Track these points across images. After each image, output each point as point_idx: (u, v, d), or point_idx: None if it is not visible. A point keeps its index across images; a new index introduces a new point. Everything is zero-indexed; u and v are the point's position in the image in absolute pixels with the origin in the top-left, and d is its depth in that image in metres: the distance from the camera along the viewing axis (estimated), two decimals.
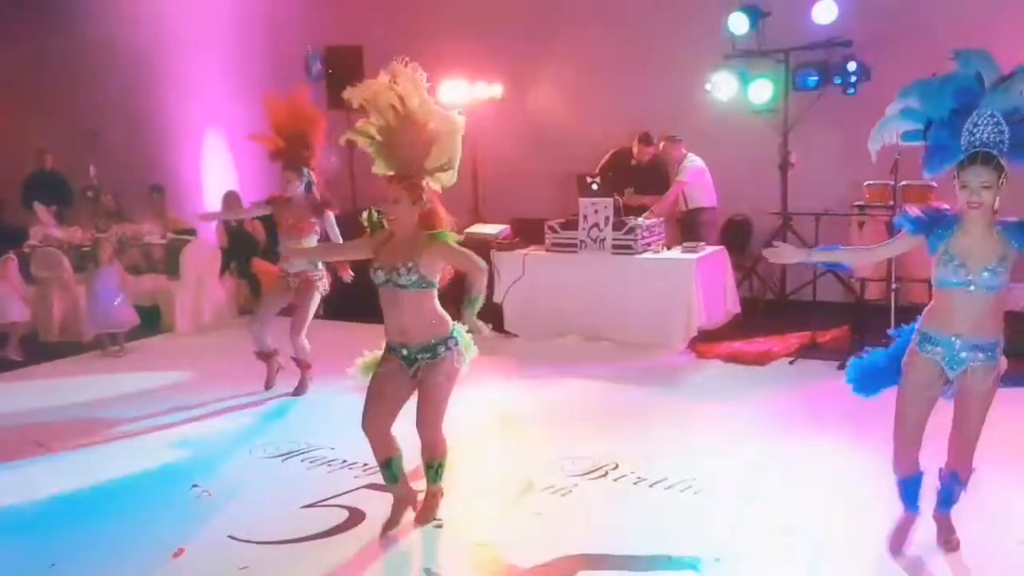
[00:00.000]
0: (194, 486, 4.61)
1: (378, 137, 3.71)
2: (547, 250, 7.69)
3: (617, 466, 4.70)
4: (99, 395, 6.38)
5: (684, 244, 7.62)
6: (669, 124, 8.48)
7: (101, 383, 6.77)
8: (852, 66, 7.97)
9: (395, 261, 3.63)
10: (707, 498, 4.33)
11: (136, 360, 7.50)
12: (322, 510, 4.27)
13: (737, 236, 8.80)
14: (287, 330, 6.01)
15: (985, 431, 3.43)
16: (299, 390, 6.11)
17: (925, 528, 3.67)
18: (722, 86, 8.44)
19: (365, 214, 3.87)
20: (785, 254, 3.57)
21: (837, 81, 8.11)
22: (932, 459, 3.57)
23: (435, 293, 3.73)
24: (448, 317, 3.77)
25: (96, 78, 11.60)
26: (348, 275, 5.85)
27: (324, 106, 7.49)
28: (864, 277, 7.91)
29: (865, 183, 7.83)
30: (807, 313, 7.74)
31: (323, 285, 5.95)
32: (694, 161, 8.28)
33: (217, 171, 11.34)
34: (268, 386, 6.14)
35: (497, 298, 7.73)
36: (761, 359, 6.72)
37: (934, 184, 7.03)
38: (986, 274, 3.19)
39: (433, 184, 3.75)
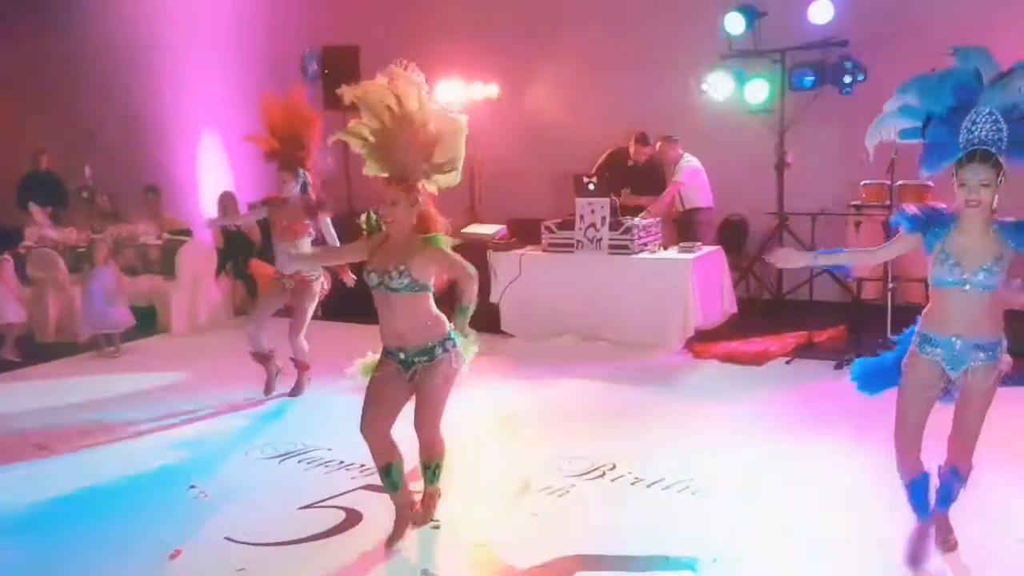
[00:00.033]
0: (191, 487, 4.60)
1: (371, 138, 3.67)
2: (544, 250, 7.68)
3: (614, 466, 4.70)
4: (95, 396, 6.36)
5: (681, 244, 7.62)
6: (665, 124, 8.48)
7: (97, 384, 6.75)
8: (848, 66, 7.97)
9: (387, 264, 3.60)
10: (704, 498, 4.32)
11: (132, 361, 7.48)
12: (319, 511, 4.26)
13: (733, 236, 8.80)
14: (285, 331, 5.99)
15: (985, 430, 3.42)
16: (296, 391, 6.09)
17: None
18: (718, 86, 8.44)
19: (364, 217, 3.85)
20: (789, 258, 3.54)
21: (833, 81, 8.11)
22: (931, 457, 3.55)
23: (430, 296, 3.69)
24: (445, 319, 3.75)
25: (91, 78, 11.58)
26: (350, 279, 5.77)
27: (320, 106, 7.49)
28: (861, 277, 7.91)
29: (861, 183, 7.83)
30: (804, 313, 7.73)
31: (319, 286, 5.92)
32: (690, 161, 8.28)
33: (213, 172, 11.32)
34: (268, 391, 6.05)
35: (494, 298, 7.73)
36: (758, 359, 6.73)
37: (930, 183, 7.02)
38: (982, 274, 3.17)
39: (429, 186, 3.73)
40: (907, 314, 3.68)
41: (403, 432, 3.83)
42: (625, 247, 7.33)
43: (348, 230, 5.67)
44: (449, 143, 3.67)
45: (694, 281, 7.11)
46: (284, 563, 3.82)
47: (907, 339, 3.48)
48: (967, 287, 3.21)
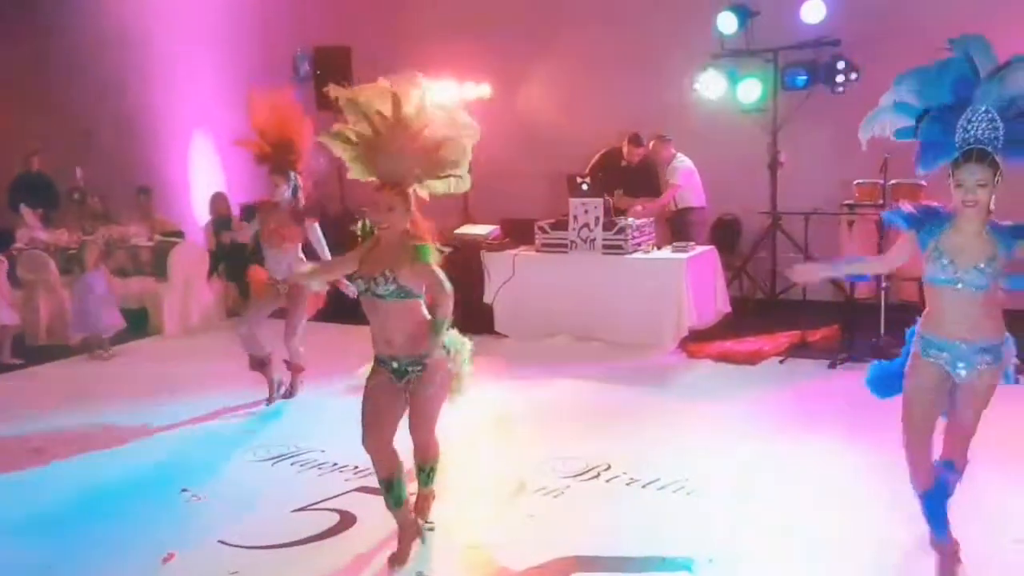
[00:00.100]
0: (184, 490, 4.57)
1: (355, 141, 3.59)
2: (537, 250, 7.68)
3: (609, 467, 4.69)
4: (87, 399, 6.32)
5: (674, 244, 7.62)
6: (658, 124, 8.48)
7: (89, 387, 6.71)
8: (841, 65, 8.00)
9: (374, 270, 3.52)
10: (700, 498, 4.32)
11: (124, 363, 7.45)
12: (313, 514, 4.24)
13: (727, 236, 8.82)
14: (280, 333, 5.93)
15: (982, 430, 3.39)
16: (289, 393, 6.06)
17: (920, 527, 3.67)
18: (711, 86, 8.45)
19: (359, 224, 3.76)
20: (809, 273, 3.50)
21: (826, 80, 8.13)
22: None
23: (420, 303, 3.60)
24: None
25: (83, 80, 11.53)
26: (351, 292, 5.59)
27: (313, 107, 7.46)
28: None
29: (855, 182, 7.85)
30: (797, 312, 7.75)
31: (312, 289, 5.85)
32: (684, 162, 8.29)
33: (205, 172, 11.28)
34: (270, 400, 5.93)
35: (487, 299, 7.72)
36: (752, 358, 6.73)
37: (924, 183, 7.04)
38: (974, 272, 3.14)
39: (421, 191, 3.68)
40: (901, 313, 3.69)
41: (398, 435, 3.80)
42: (619, 247, 7.33)
43: (339, 230, 5.61)
44: (451, 148, 3.59)
45: (688, 281, 7.11)
46: (278, 566, 3.79)
47: (911, 339, 3.44)
48: (959, 285, 3.18)
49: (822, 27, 8.00)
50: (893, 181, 6.86)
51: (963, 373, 3.25)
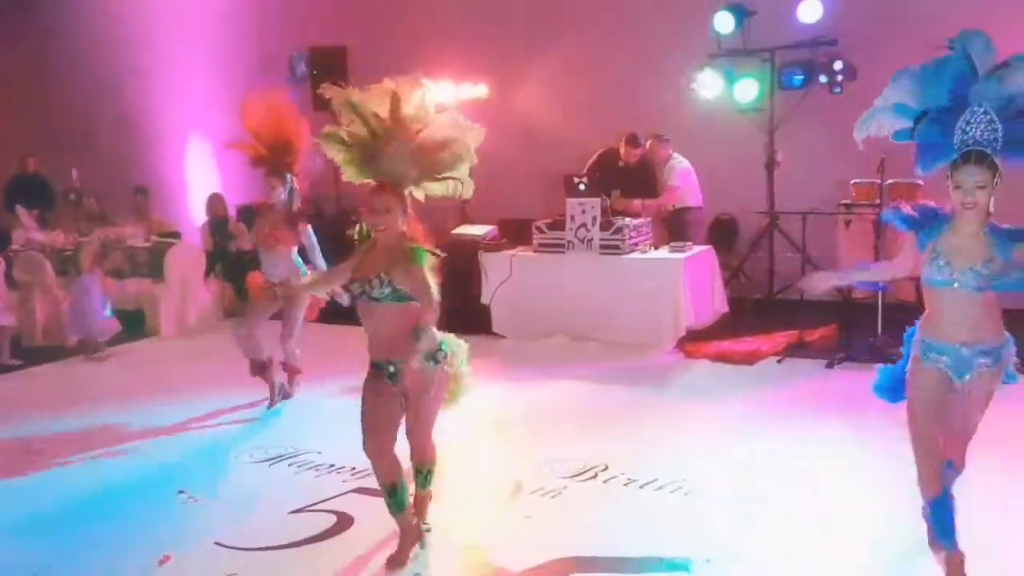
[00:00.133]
0: (180, 492, 4.56)
1: (350, 142, 3.55)
2: (534, 251, 7.67)
3: (607, 467, 4.68)
4: (83, 400, 6.30)
5: (671, 244, 7.62)
6: (655, 123, 8.48)
7: (85, 388, 6.70)
8: (838, 65, 8.01)
9: (370, 273, 3.48)
10: (698, 498, 4.31)
11: (121, 364, 7.43)
12: (310, 515, 4.23)
13: (724, 235, 8.82)
14: (277, 333, 5.91)
15: (983, 430, 3.38)
16: (286, 394, 6.03)
17: (919, 527, 3.66)
18: (708, 85, 8.46)
19: (356, 229, 3.71)
20: (820, 281, 3.46)
21: (823, 80, 8.15)
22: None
23: (416, 306, 3.51)
24: (435, 329, 3.55)
25: (79, 80, 11.50)
26: (344, 300, 5.48)
27: (309, 107, 7.44)
28: None
29: (851, 182, 7.86)
30: (795, 312, 7.75)
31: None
32: (682, 162, 8.30)
33: (201, 173, 11.26)
34: (272, 404, 5.86)
35: (484, 299, 7.71)
36: (749, 358, 6.72)
37: (921, 182, 7.05)
38: (970, 274, 3.11)
39: (417, 193, 3.66)
40: (898, 313, 3.67)
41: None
42: (616, 247, 7.32)
43: (336, 230, 5.58)
44: (451, 150, 3.55)
45: (685, 281, 7.11)
46: (274, 568, 3.78)
47: (910, 341, 3.40)
48: (955, 286, 3.15)
49: (819, 27, 8.00)
50: (890, 181, 6.86)
51: (964, 377, 3.21)
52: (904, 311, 3.49)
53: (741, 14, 8.27)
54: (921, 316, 3.38)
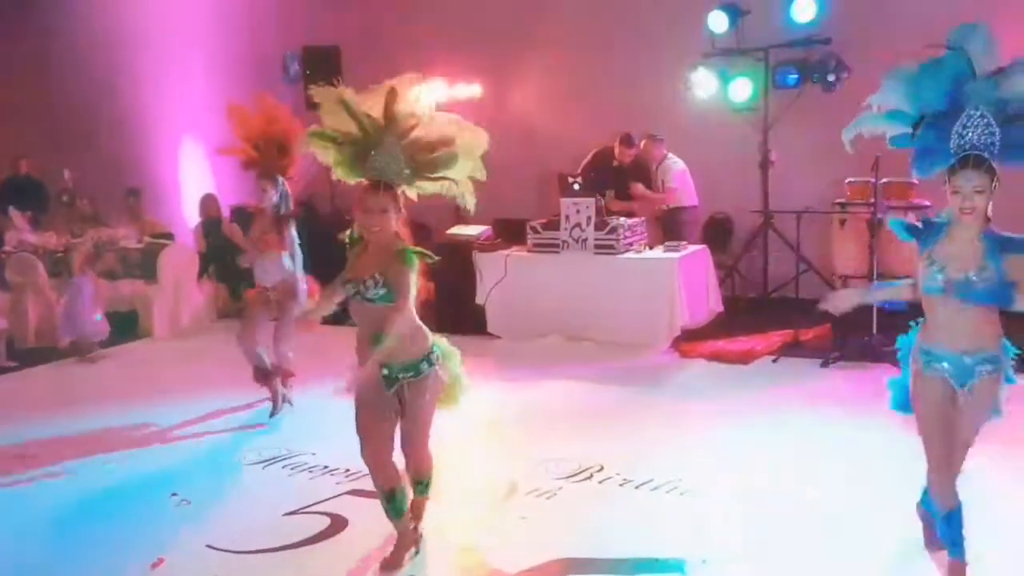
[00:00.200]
0: (173, 494, 4.53)
1: (341, 141, 3.50)
2: (529, 251, 7.66)
3: (602, 468, 4.67)
4: (75, 403, 6.27)
5: (666, 243, 7.61)
6: (650, 123, 8.47)
7: (77, 390, 6.67)
8: (832, 64, 8.00)
9: (363, 273, 3.44)
10: (693, 499, 4.30)
11: (114, 366, 7.40)
12: (303, 517, 4.21)
13: (718, 235, 8.81)
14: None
15: (984, 430, 3.33)
16: (288, 401, 5.96)
17: (914, 527, 3.65)
18: (702, 85, 8.45)
19: (347, 233, 3.65)
20: (842, 300, 3.40)
21: (817, 79, 8.14)
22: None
23: (413, 308, 3.51)
24: (428, 331, 3.60)
25: (72, 81, 11.45)
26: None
27: (303, 107, 7.41)
28: (846, 275, 7.94)
29: (846, 180, 7.85)
30: (789, 311, 7.74)
31: (303, 294, 5.76)
32: (677, 163, 8.31)
33: (195, 173, 11.22)
34: (273, 413, 5.75)
35: (479, 300, 7.69)
36: (744, 358, 6.72)
37: (915, 181, 7.05)
38: (963, 281, 3.05)
39: (410, 192, 3.62)
40: (892, 312, 3.63)
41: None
42: (611, 247, 7.31)
43: (330, 227, 5.54)
44: (447, 149, 3.51)
45: (680, 280, 7.10)
46: (268, 570, 3.76)
47: (907, 346, 3.35)
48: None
49: (813, 26, 7.99)
50: (884, 179, 6.86)
51: (966, 385, 3.16)
52: (898, 311, 3.46)
53: (735, 13, 8.26)
54: (915, 317, 3.34)
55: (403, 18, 9.81)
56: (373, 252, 3.49)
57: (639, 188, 8.08)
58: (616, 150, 8.31)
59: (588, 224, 7.39)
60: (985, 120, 3.02)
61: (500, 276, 7.61)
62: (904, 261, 6.85)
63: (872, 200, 6.97)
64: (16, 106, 11.65)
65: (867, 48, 7.60)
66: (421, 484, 3.78)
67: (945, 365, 3.17)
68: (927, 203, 7.56)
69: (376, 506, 3.69)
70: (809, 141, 8.18)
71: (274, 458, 5.01)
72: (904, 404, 3.42)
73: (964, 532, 3.23)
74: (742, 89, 8.35)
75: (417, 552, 3.76)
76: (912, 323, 3.36)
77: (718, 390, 6.09)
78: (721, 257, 8.31)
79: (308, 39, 10.02)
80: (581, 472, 4.63)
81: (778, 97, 8.36)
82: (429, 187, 3.61)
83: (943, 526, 3.28)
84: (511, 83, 9.64)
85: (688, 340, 7.12)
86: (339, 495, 4.42)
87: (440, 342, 3.65)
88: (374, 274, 3.42)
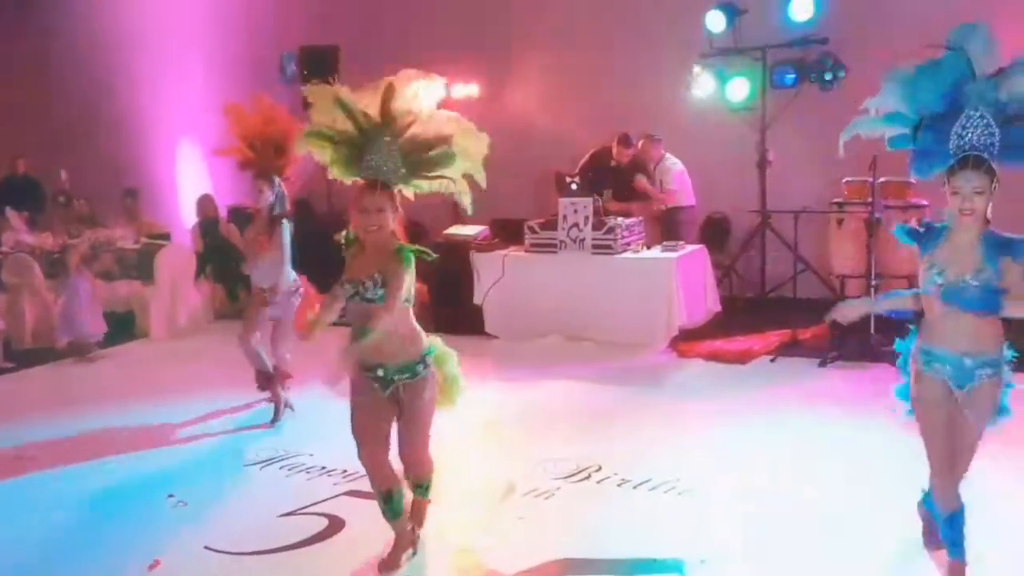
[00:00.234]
0: (169, 496, 4.51)
1: (338, 140, 3.46)
2: (527, 251, 7.65)
3: (600, 468, 4.66)
4: (72, 404, 6.24)
5: (664, 243, 7.61)
6: (647, 122, 8.47)
7: (74, 391, 6.65)
8: (829, 63, 8.00)
9: (362, 274, 3.41)
10: (691, 499, 4.29)
11: (111, 367, 7.38)
12: (301, 518, 4.19)
13: (716, 234, 8.81)
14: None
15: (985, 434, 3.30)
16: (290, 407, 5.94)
17: (912, 526, 3.65)
18: (700, 84, 8.45)
19: (343, 234, 3.62)
20: (850, 311, 3.37)
21: (814, 78, 8.14)
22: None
23: (409, 310, 3.49)
24: (423, 333, 3.57)
25: (70, 82, 11.44)
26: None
27: (300, 108, 7.40)
28: (843, 274, 7.94)
29: (843, 180, 7.86)
30: (787, 310, 7.75)
31: (299, 297, 5.73)
32: (675, 164, 8.32)
33: (192, 174, 11.21)
34: (275, 420, 5.68)
35: (477, 300, 7.69)
36: (742, 357, 6.71)
37: (913, 180, 7.04)
38: (961, 284, 3.02)
39: (407, 191, 3.59)
40: (899, 319, 3.60)
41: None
42: (608, 247, 7.30)
43: (325, 228, 5.53)
44: (444, 147, 3.47)
45: (678, 280, 7.09)
46: (265, 572, 3.74)
47: (906, 351, 3.32)
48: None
49: (810, 25, 7.99)
50: (882, 179, 6.86)
51: (965, 387, 3.13)
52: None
53: (732, 13, 8.27)
54: (913, 319, 3.32)
55: (401, 18, 9.80)
56: (371, 252, 3.46)
57: (642, 181, 8.07)
58: (614, 150, 8.31)
59: (586, 224, 7.38)
60: (985, 121, 2.99)
61: (498, 276, 7.60)
62: (901, 260, 6.87)
63: (870, 199, 6.97)
64: (13, 106, 11.63)
65: (865, 47, 7.61)
66: (421, 487, 3.75)
67: (946, 367, 3.14)
68: (924, 202, 7.57)
69: (374, 507, 3.68)
70: (806, 141, 8.18)
71: (272, 459, 4.99)
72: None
73: (965, 533, 3.22)
74: (739, 89, 8.36)
75: (415, 553, 3.75)
76: (911, 326, 3.32)
77: (716, 390, 6.08)
78: (719, 257, 8.32)
79: (305, 39, 10.00)
80: (579, 472, 4.62)
81: (776, 97, 8.37)
82: (426, 186, 3.57)
83: (945, 527, 3.27)
84: (509, 83, 9.64)
85: (686, 340, 7.11)
86: (337, 496, 4.41)
87: (436, 344, 3.64)
88: (373, 275, 3.39)
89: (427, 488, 3.76)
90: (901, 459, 3.61)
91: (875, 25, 7.81)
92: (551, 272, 7.45)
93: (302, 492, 4.48)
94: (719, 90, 8.41)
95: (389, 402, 3.51)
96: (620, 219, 7.47)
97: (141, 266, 8.64)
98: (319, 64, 9.43)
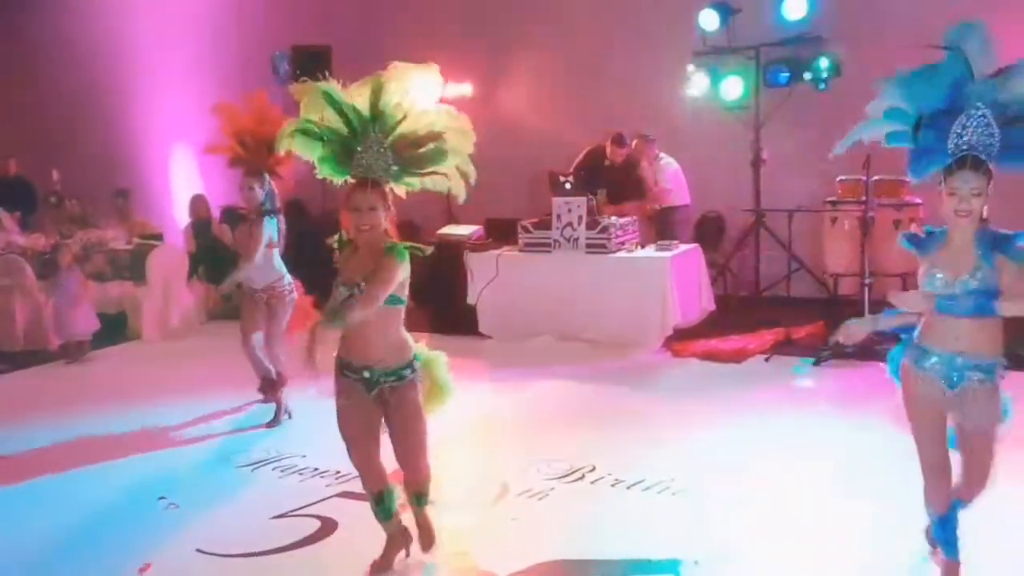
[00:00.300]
0: (160, 498, 4.48)
1: (327, 138, 3.40)
2: (520, 250, 7.63)
3: (594, 468, 4.64)
4: (63, 405, 6.21)
5: (658, 242, 7.60)
6: (641, 121, 8.46)
7: (65, 393, 6.61)
8: (823, 62, 8.00)
9: (356, 275, 3.34)
10: (686, 499, 4.28)
11: (103, 368, 7.34)
12: (293, 520, 4.17)
13: (710, 233, 8.81)
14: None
15: None
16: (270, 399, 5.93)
17: (910, 525, 3.64)
18: (693, 83, 8.45)
19: (335, 238, 3.57)
20: (856, 331, 3.33)
21: (808, 77, 8.13)
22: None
23: (402, 312, 3.44)
24: (411, 341, 3.51)
25: (60, 80, 11.39)
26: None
27: (294, 108, 7.37)
28: (837, 273, 7.95)
29: (837, 179, 7.86)
30: (781, 309, 7.74)
31: (292, 298, 5.71)
32: (670, 163, 8.30)
33: (184, 174, 11.17)
34: (273, 424, 5.63)
35: (471, 300, 7.67)
36: (737, 356, 6.71)
37: (906, 178, 7.03)
38: (959, 286, 2.98)
39: (397, 189, 3.54)
40: (883, 309, 3.59)
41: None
42: (602, 246, 7.29)
43: (320, 228, 5.49)
44: (436, 143, 3.41)
45: (672, 279, 7.08)
46: (257, 574, 3.72)
47: (898, 357, 3.28)
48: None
49: (804, 23, 7.99)
50: (876, 177, 6.86)
51: (955, 387, 3.08)
52: (889, 308, 3.42)
53: (726, 11, 8.25)
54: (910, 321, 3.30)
55: (394, 17, 9.77)
56: (364, 253, 3.40)
57: (643, 171, 8.08)
58: (608, 149, 8.29)
59: (580, 223, 7.37)
60: (985, 120, 2.95)
61: (491, 276, 7.58)
62: (895, 259, 6.87)
63: (863, 198, 6.97)
64: (5, 106, 11.58)
65: (858, 46, 7.61)
66: (419, 496, 3.64)
67: (936, 366, 3.09)
68: (918, 200, 7.58)
69: (366, 508, 3.65)
70: (800, 139, 8.18)
71: (264, 460, 4.97)
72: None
73: (958, 533, 3.21)
74: (733, 88, 8.35)
75: (408, 554, 3.73)
76: (902, 335, 3.28)
77: (710, 389, 6.07)
78: (713, 256, 8.31)
79: (298, 39, 9.97)
80: (573, 473, 4.61)
81: (769, 95, 8.36)
82: (418, 183, 3.51)
83: (936, 528, 3.25)
84: (502, 82, 9.62)
85: (680, 339, 7.10)
86: (329, 497, 4.38)
87: (422, 349, 3.57)
88: (368, 276, 3.32)
89: (424, 497, 3.65)
90: (894, 458, 3.59)
91: (869, 24, 7.81)
92: (545, 272, 7.43)
93: (294, 494, 4.46)
94: (713, 89, 8.40)
95: (375, 404, 3.46)
96: (614, 218, 7.46)
97: (133, 267, 8.60)
98: (311, 64, 9.37)
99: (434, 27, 9.50)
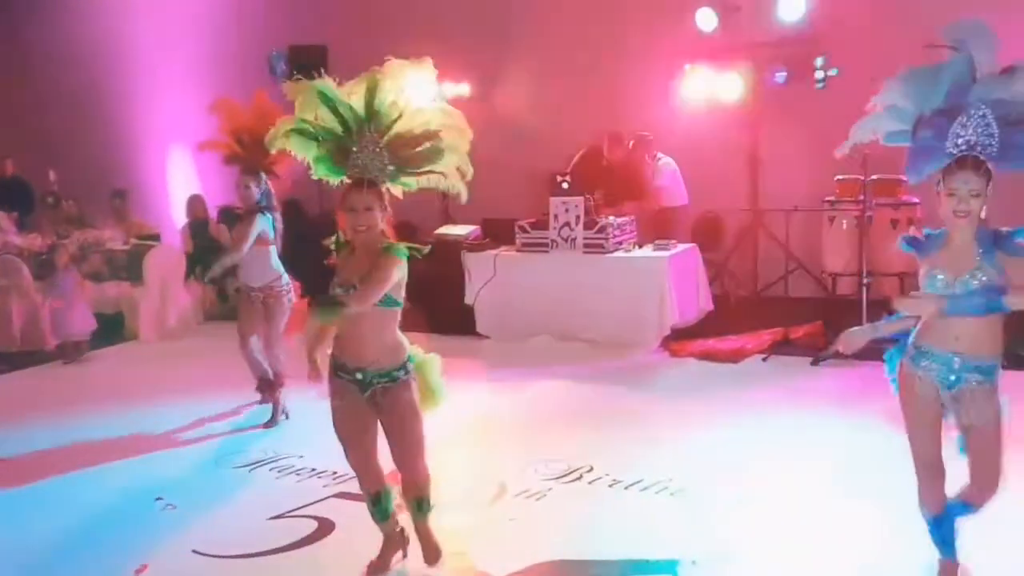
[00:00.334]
0: (158, 499, 4.47)
1: (322, 137, 3.37)
2: (518, 250, 7.62)
3: (592, 468, 4.64)
4: (60, 406, 6.20)
5: (656, 242, 7.59)
6: (638, 121, 8.45)
7: (62, 393, 6.60)
8: (820, 61, 7.99)
9: (353, 277, 3.32)
10: (684, 499, 4.27)
11: (100, 368, 7.33)
12: (290, 521, 4.16)
13: (708, 233, 8.78)
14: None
15: None
16: (267, 400, 5.92)
17: (908, 525, 3.63)
18: (691, 83, 8.44)
19: (332, 240, 3.55)
20: (857, 339, 3.32)
21: (805, 77, 8.12)
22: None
23: (398, 314, 3.42)
24: (407, 343, 3.49)
25: (57, 81, 11.37)
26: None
27: (290, 106, 7.35)
28: (835, 272, 7.94)
29: (835, 178, 7.86)
30: (779, 309, 7.73)
31: (289, 299, 5.70)
32: (668, 163, 8.28)
33: (181, 174, 11.15)
34: (270, 424, 5.60)
35: (468, 300, 7.66)
36: (735, 356, 6.70)
37: (903, 178, 7.03)
38: (959, 287, 2.96)
39: (394, 189, 3.50)
40: (882, 309, 3.59)
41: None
42: (600, 246, 7.28)
43: (317, 229, 5.48)
44: (432, 142, 3.37)
45: (670, 279, 7.08)
46: (254, 575, 3.71)
47: (895, 359, 3.27)
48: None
49: (801, 23, 7.99)
50: (874, 176, 6.87)
51: (952, 389, 3.05)
52: (888, 307, 3.41)
53: (724, 11, 8.24)
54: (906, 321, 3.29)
55: (390, 16, 9.76)
56: (361, 254, 3.37)
57: (644, 167, 8.10)
58: (605, 149, 8.29)
59: (577, 223, 7.36)
60: (986, 120, 2.92)
61: (489, 276, 7.57)
62: (892, 258, 6.87)
63: (861, 197, 6.97)
64: (2, 106, 11.56)
65: (856, 45, 7.59)
66: (419, 502, 3.59)
67: (933, 365, 3.08)
68: (915, 200, 7.58)
69: (363, 509, 3.64)
70: (798, 139, 8.15)
71: (261, 461, 4.96)
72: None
73: (955, 533, 3.20)
74: (731, 87, 8.34)
75: (405, 555, 3.72)
76: (897, 341, 3.26)
77: (708, 389, 6.06)
78: (711, 255, 8.30)
79: (295, 38, 9.96)
80: (571, 473, 4.60)
81: (767, 95, 8.35)
82: (415, 183, 3.48)
83: (932, 529, 3.24)
84: (499, 82, 9.60)
85: (678, 339, 7.10)
86: (326, 498, 4.38)
87: (415, 352, 3.54)
88: (364, 277, 3.29)
89: (424, 503, 3.59)
90: (892, 457, 3.57)
91: (866, 23, 7.80)
92: (543, 272, 7.42)
93: (292, 494, 4.45)
94: (710, 88, 8.39)
95: (368, 405, 3.43)
96: (612, 218, 7.45)
97: (130, 267, 8.59)
98: (309, 63, 9.35)
99: (432, 27, 9.47)
